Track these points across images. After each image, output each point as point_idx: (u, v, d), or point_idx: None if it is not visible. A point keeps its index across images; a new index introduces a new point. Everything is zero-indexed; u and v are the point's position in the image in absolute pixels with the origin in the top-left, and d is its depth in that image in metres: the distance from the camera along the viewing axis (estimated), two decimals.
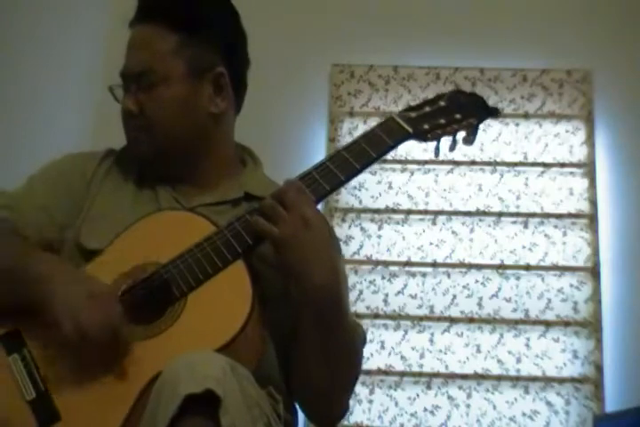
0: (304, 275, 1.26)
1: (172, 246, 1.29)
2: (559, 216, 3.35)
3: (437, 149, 1.40)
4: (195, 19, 1.45)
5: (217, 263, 1.27)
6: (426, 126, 1.38)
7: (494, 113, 1.42)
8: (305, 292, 1.27)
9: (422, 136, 1.38)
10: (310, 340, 1.30)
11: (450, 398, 3.19)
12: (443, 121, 1.38)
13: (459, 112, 1.39)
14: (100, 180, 1.45)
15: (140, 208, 1.40)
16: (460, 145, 1.40)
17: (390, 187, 3.42)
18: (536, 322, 3.23)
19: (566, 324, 3.22)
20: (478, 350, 3.22)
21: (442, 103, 1.40)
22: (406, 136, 1.37)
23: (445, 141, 1.40)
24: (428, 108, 1.40)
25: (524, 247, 3.33)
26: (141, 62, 1.43)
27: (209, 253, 1.28)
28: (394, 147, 1.37)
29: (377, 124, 1.38)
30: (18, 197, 1.43)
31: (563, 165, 3.41)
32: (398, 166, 3.41)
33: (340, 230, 3.33)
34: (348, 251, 3.28)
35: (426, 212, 3.39)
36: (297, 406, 1.44)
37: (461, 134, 1.39)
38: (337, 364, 1.33)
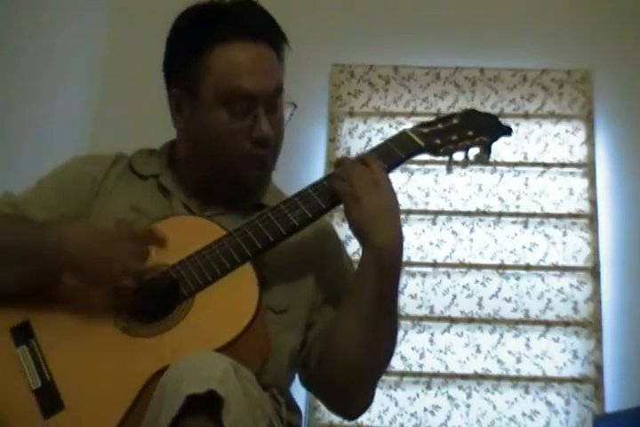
0: (371, 233, 1.31)
1: (182, 249, 1.31)
2: (559, 216, 3.35)
3: (450, 164, 1.42)
4: (282, 36, 1.44)
5: (225, 265, 1.29)
6: (438, 141, 1.40)
7: (507, 132, 1.43)
8: (371, 249, 1.31)
9: (434, 150, 1.40)
10: (364, 307, 1.32)
11: (450, 398, 3.19)
12: (455, 137, 1.41)
13: (471, 129, 1.41)
14: (111, 184, 1.45)
15: (152, 215, 1.40)
16: (472, 162, 1.42)
17: None
18: (536, 322, 3.23)
19: (566, 324, 3.22)
20: (478, 350, 3.23)
21: (455, 121, 1.43)
22: (418, 150, 1.40)
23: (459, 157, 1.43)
24: (440, 125, 1.42)
25: (523, 247, 3.33)
26: (277, 79, 1.40)
27: (218, 256, 1.29)
28: (405, 160, 1.39)
29: (389, 138, 1.41)
30: (26, 200, 1.43)
31: (563, 165, 3.41)
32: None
33: (341, 230, 3.32)
34: (348, 251, 3.27)
35: (426, 212, 3.39)
36: (300, 410, 1.45)
37: (474, 152, 1.41)
38: (387, 337, 1.36)
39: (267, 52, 1.40)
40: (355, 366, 1.34)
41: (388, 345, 1.38)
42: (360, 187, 1.31)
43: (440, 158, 1.43)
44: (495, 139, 1.42)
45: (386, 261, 1.31)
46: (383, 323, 1.33)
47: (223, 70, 1.36)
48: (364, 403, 1.42)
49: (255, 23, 1.40)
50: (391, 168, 1.39)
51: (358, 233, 1.33)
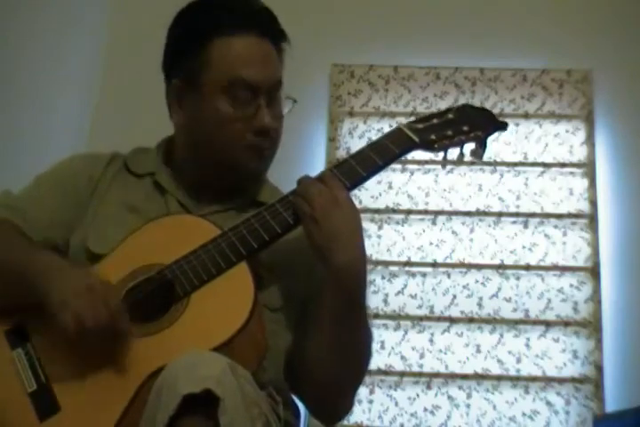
0: (331, 252, 1.27)
1: (178, 249, 1.30)
2: (559, 216, 3.35)
3: (444, 160, 1.41)
4: (283, 34, 1.46)
5: (220, 264, 1.28)
6: (432, 137, 1.39)
7: (503, 127, 1.42)
8: (331, 270, 1.28)
9: (429, 146, 1.39)
10: (330, 325, 1.31)
11: (450, 398, 3.19)
12: (450, 132, 1.39)
13: (466, 124, 1.40)
14: (107, 183, 1.45)
15: (148, 214, 1.40)
16: (467, 157, 1.41)
17: (390, 187, 3.42)
18: (536, 322, 3.23)
19: (566, 324, 3.22)
20: (478, 350, 3.22)
21: (450, 116, 1.42)
22: (413, 146, 1.38)
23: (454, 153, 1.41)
24: (435, 120, 1.41)
25: (523, 247, 3.33)
26: (278, 72, 1.42)
27: (213, 255, 1.29)
28: (400, 156, 1.38)
29: (384, 134, 1.40)
30: (23, 199, 1.43)
31: (563, 165, 3.41)
32: (398, 166, 3.41)
33: None
34: None
35: (426, 212, 3.39)
36: (299, 408, 1.44)
37: (469, 147, 1.40)
38: (353, 354, 1.34)
39: (268, 47, 1.41)
40: (322, 383, 1.34)
41: (357, 361, 1.36)
42: (318, 207, 1.28)
43: (437, 157, 1.42)
44: (490, 134, 1.40)
45: (347, 282, 1.28)
46: (347, 341, 1.32)
47: (226, 60, 1.37)
48: (336, 413, 1.42)
49: (257, 18, 1.41)
50: (386, 164, 1.37)
51: (317, 254, 1.29)
